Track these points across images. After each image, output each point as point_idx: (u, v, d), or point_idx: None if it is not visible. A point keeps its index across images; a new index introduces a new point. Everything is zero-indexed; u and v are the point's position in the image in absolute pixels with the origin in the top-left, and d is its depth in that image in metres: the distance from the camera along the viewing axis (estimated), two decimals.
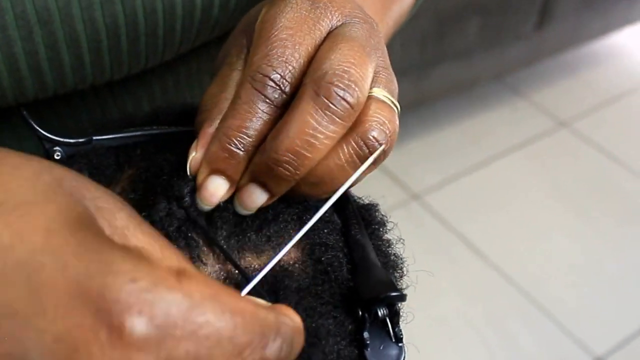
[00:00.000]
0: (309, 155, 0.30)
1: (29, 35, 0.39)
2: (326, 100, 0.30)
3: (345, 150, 0.32)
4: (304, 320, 0.30)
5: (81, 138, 0.35)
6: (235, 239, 0.32)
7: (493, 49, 1.91)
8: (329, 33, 0.33)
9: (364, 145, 0.32)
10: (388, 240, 0.38)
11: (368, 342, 0.32)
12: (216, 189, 0.32)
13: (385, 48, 0.36)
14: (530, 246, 1.71)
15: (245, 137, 0.31)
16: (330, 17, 0.33)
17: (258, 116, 0.31)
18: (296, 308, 0.30)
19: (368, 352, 0.32)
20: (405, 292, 0.36)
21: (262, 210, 0.33)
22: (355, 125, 0.32)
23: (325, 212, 0.35)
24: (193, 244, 0.31)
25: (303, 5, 0.33)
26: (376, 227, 0.38)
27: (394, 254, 0.37)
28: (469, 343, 1.51)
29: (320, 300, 0.32)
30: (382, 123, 0.32)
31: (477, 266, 1.65)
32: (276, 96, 0.31)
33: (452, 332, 1.52)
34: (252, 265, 0.32)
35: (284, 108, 0.31)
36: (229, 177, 0.32)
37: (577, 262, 1.68)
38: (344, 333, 0.32)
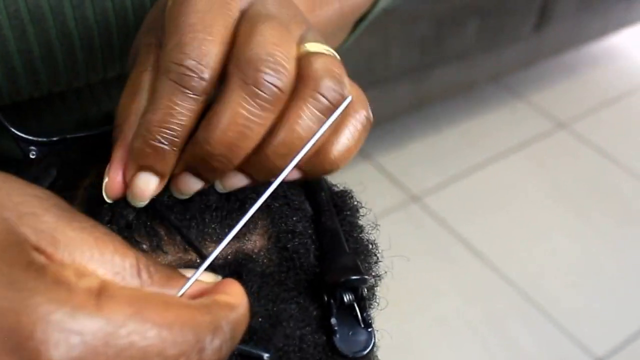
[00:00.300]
0: (242, 145, 0.29)
1: (23, 34, 0.40)
2: (255, 89, 0.29)
3: (305, 109, 0.30)
4: (264, 304, 0.30)
5: (55, 137, 0.36)
6: (196, 228, 0.32)
7: (492, 50, 1.92)
8: (243, 13, 0.32)
9: (321, 97, 0.30)
10: (360, 226, 0.37)
11: (336, 328, 0.31)
12: (146, 185, 0.31)
13: (301, 11, 0.35)
14: (529, 247, 1.71)
15: (168, 131, 0.29)
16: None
17: (179, 108, 0.29)
18: (258, 292, 0.31)
19: (336, 339, 0.32)
20: (370, 281, 0.35)
21: (227, 199, 0.33)
22: (304, 82, 0.30)
23: (296, 200, 0.35)
24: (152, 233, 0.31)
25: None
26: (348, 213, 0.37)
27: (367, 239, 0.37)
28: (469, 344, 1.51)
29: (283, 287, 0.32)
30: (330, 71, 0.31)
31: (477, 267, 1.65)
32: (194, 84, 0.29)
33: (452, 332, 1.52)
34: (233, 251, 0.32)
35: (206, 94, 0.30)
36: (157, 172, 0.31)
37: (576, 263, 1.68)
38: (308, 319, 0.32)
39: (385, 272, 0.37)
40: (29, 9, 0.39)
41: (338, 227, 0.35)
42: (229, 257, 0.32)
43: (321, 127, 0.30)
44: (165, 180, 0.31)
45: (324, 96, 0.30)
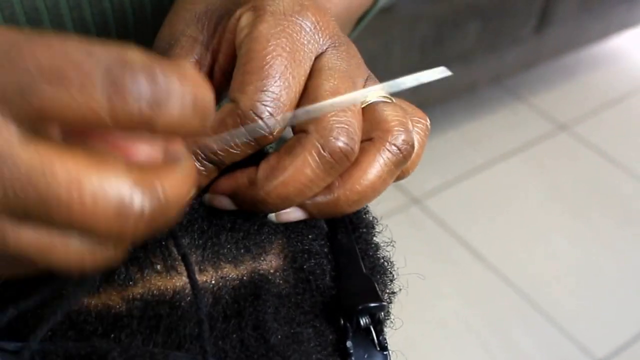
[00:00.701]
0: (296, 200, 0.30)
1: None
2: (329, 157, 0.30)
3: (383, 161, 0.31)
4: (282, 326, 0.30)
5: None
6: (211, 250, 0.31)
7: (492, 52, 1.92)
8: (316, 60, 0.32)
9: (397, 151, 0.32)
10: (376, 244, 0.37)
11: (351, 351, 0.31)
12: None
13: (359, 55, 0.36)
14: (530, 249, 1.71)
15: (220, 158, 0.31)
16: (318, 40, 0.32)
17: (238, 150, 0.30)
18: (275, 314, 0.30)
19: None
20: (387, 301, 0.35)
21: (244, 220, 0.33)
22: (380, 136, 0.32)
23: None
24: (167, 252, 0.31)
25: (294, 26, 0.31)
26: (364, 230, 0.37)
27: (383, 257, 0.37)
28: (469, 346, 1.50)
29: (300, 310, 0.32)
30: (402, 122, 0.32)
31: (477, 269, 1.65)
32: (263, 139, 0.30)
33: (452, 335, 1.52)
34: (229, 275, 0.31)
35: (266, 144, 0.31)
36: (197, 187, 0.30)
37: (577, 265, 1.68)
38: (325, 342, 0.32)
39: (400, 290, 0.37)
40: (25, 11, 0.39)
41: (354, 245, 0.35)
42: (244, 277, 0.31)
43: (393, 178, 0.32)
44: (197, 192, 0.32)
45: (397, 148, 0.32)
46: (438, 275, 1.63)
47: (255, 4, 0.32)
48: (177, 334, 0.29)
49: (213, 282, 0.30)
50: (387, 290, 0.36)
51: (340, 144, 0.30)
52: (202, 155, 0.30)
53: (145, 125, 0.22)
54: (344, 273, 0.33)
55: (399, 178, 0.34)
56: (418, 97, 1.84)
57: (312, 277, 0.33)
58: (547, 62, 2.16)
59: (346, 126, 0.30)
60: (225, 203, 0.32)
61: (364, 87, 0.33)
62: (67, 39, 0.22)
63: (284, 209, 0.31)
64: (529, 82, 2.23)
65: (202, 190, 0.32)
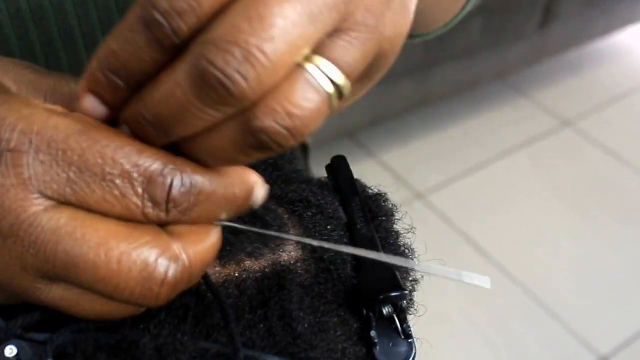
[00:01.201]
0: (174, 127, 0.24)
1: (25, 34, 0.40)
2: (200, 80, 0.23)
3: (228, 132, 0.24)
4: (308, 315, 0.30)
5: None
6: (231, 246, 0.32)
7: (496, 48, 1.91)
8: None
9: (249, 135, 0.24)
10: (396, 232, 0.37)
11: (376, 340, 0.31)
12: (92, 108, 0.26)
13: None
14: (534, 245, 1.71)
15: (120, 65, 0.25)
16: None
17: (135, 48, 0.24)
18: (300, 304, 0.31)
19: (377, 351, 0.31)
20: (409, 289, 0.35)
21: (260, 216, 0.33)
22: (270, 100, 0.23)
23: (329, 208, 0.35)
24: None
25: None
26: (384, 218, 0.37)
27: (403, 245, 0.37)
28: (473, 342, 1.51)
29: (323, 300, 0.32)
30: (283, 114, 0.23)
31: (481, 265, 1.65)
32: (162, 37, 0.23)
33: (456, 331, 1.52)
34: (252, 268, 0.32)
35: (172, 48, 0.24)
36: (104, 101, 0.26)
37: (581, 261, 1.68)
38: (349, 332, 0.32)
39: (422, 277, 0.37)
40: (31, 8, 0.39)
41: (374, 234, 0.35)
42: (267, 269, 0.32)
43: (245, 157, 0.25)
44: (110, 115, 0.27)
45: (255, 137, 0.24)
46: None
47: None
48: (204, 324, 0.29)
49: (237, 275, 0.31)
50: (409, 278, 0.36)
51: (214, 70, 0.22)
52: (107, 61, 0.25)
53: (176, 222, 0.25)
54: (364, 263, 0.33)
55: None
56: (421, 93, 1.84)
57: (333, 267, 0.33)
58: (551, 58, 2.16)
59: (232, 45, 0.22)
60: (124, 129, 0.27)
61: (321, 46, 0.24)
62: (120, 135, 0.25)
63: (169, 137, 0.25)
64: (532, 78, 2.22)
65: None
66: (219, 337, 0.29)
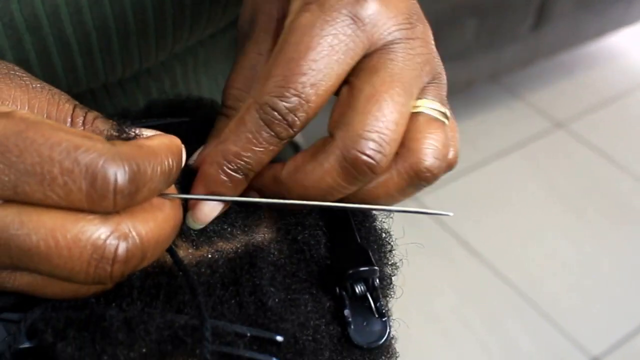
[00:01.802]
0: (316, 204, 0.30)
1: (19, 43, 0.39)
2: (352, 169, 0.29)
3: (396, 181, 0.30)
4: (278, 293, 0.31)
5: None
6: (204, 229, 0.32)
7: (489, 50, 1.92)
8: (365, 57, 0.30)
9: (415, 177, 0.30)
10: (372, 215, 0.37)
11: (350, 319, 0.31)
12: (211, 211, 0.31)
13: (433, 48, 0.33)
14: (526, 246, 1.71)
15: (244, 164, 0.30)
16: (373, 34, 0.30)
17: (260, 147, 0.29)
18: (272, 280, 0.31)
19: (351, 330, 0.32)
20: (388, 273, 0.35)
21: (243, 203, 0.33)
22: (405, 153, 0.30)
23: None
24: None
25: (343, 21, 0.29)
26: None
27: (380, 228, 0.37)
28: (465, 342, 1.51)
29: (295, 278, 0.32)
30: (435, 151, 0.30)
31: (474, 266, 1.65)
32: (282, 132, 0.29)
33: (449, 331, 1.52)
34: (225, 249, 0.32)
35: (291, 139, 0.30)
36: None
37: (573, 262, 1.68)
38: (322, 310, 0.32)
39: (401, 260, 0.37)
40: (24, 17, 0.38)
41: (349, 217, 0.35)
42: (240, 250, 0.32)
43: (405, 197, 0.31)
44: (227, 208, 0.32)
45: (420, 178, 0.30)
46: (434, 271, 1.63)
47: None
48: (176, 301, 0.30)
49: (209, 255, 0.31)
50: (387, 261, 0.36)
51: (363, 157, 0.28)
52: (227, 163, 0.30)
53: (119, 208, 0.25)
54: (338, 243, 0.34)
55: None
56: None
57: (306, 248, 0.33)
58: (544, 59, 2.16)
59: (374, 135, 0.29)
60: (253, 195, 0.32)
61: (420, 92, 0.31)
62: (58, 132, 0.25)
63: (308, 209, 0.32)
64: (526, 79, 2.23)
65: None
66: (190, 312, 0.29)
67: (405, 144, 0.30)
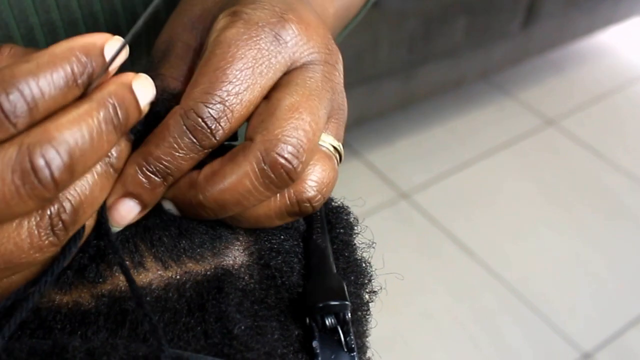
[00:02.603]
0: (234, 209, 0.30)
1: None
2: (270, 172, 0.29)
3: (277, 203, 0.31)
4: (245, 318, 0.30)
5: None
6: (174, 248, 0.31)
7: (480, 48, 1.92)
8: (288, 72, 0.31)
9: (296, 204, 0.31)
10: (353, 245, 0.37)
11: (318, 351, 0.31)
12: (128, 213, 0.30)
13: (342, 81, 0.34)
14: (517, 243, 1.72)
15: (163, 167, 0.29)
16: (293, 54, 0.31)
17: (182, 153, 0.29)
18: (239, 307, 0.30)
19: None
20: (366, 300, 0.35)
21: (208, 220, 0.33)
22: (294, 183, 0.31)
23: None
24: (134, 249, 0.31)
25: (266, 37, 0.30)
26: (341, 230, 0.36)
27: (360, 258, 0.36)
28: (457, 340, 1.51)
29: (263, 305, 0.32)
30: (320, 185, 0.31)
31: (465, 263, 1.66)
32: (205, 140, 0.29)
33: (440, 328, 1.53)
34: (193, 271, 0.31)
35: (212, 148, 0.30)
36: (143, 202, 0.30)
37: (564, 259, 1.69)
38: (290, 339, 0.31)
39: (381, 289, 0.36)
40: (18, 26, 0.39)
41: (328, 245, 0.34)
42: (208, 272, 0.31)
43: (282, 222, 0.32)
44: (145, 212, 0.31)
45: (300, 206, 0.31)
46: (426, 269, 1.63)
47: (235, 9, 0.31)
48: (142, 328, 0.29)
49: (177, 277, 0.31)
50: (365, 290, 0.36)
51: (281, 160, 0.29)
52: (146, 165, 0.29)
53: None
54: (314, 272, 0.33)
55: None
56: (406, 92, 1.85)
57: (277, 274, 0.33)
58: (534, 57, 2.17)
59: (293, 141, 0.29)
60: (168, 207, 0.31)
61: (326, 122, 0.32)
62: None
63: (222, 216, 0.30)
64: (516, 77, 2.24)
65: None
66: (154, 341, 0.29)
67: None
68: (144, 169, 0.29)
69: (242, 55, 0.30)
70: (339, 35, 0.56)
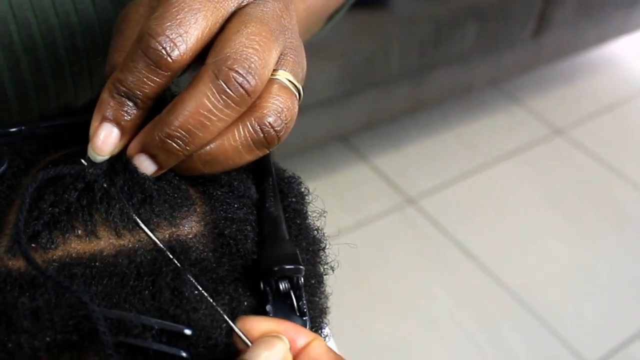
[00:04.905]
0: (200, 134, 0.31)
1: (16, 66, 0.42)
2: (224, 85, 0.30)
3: (242, 132, 0.32)
4: (194, 285, 0.31)
5: (13, 128, 0.36)
6: (127, 216, 0.32)
7: (490, 55, 1.92)
8: (238, 10, 0.33)
9: (259, 130, 0.32)
10: (304, 213, 0.37)
11: (271, 315, 0.32)
12: (107, 137, 0.32)
13: (297, 28, 0.36)
14: (523, 251, 1.71)
15: (129, 90, 0.31)
16: None
17: (142, 76, 0.31)
18: (189, 274, 0.31)
19: None
20: (321, 272, 0.35)
21: (166, 190, 0.33)
22: (253, 108, 0.32)
23: (240, 187, 0.36)
24: (88, 218, 0.32)
25: None
26: (293, 199, 0.37)
27: (311, 225, 0.37)
28: (461, 346, 1.51)
29: (216, 272, 0.32)
30: (279, 110, 0.32)
31: (470, 270, 1.66)
32: (160, 60, 0.30)
33: (444, 334, 1.53)
34: (146, 239, 0.32)
35: (172, 72, 0.31)
36: (120, 127, 0.32)
37: (569, 268, 1.69)
38: (243, 304, 0.32)
39: (338, 265, 0.37)
40: (21, 40, 0.40)
41: (280, 213, 0.35)
42: (162, 241, 0.32)
43: (250, 154, 0.33)
44: (126, 139, 0.32)
45: (262, 131, 0.32)
46: (431, 275, 1.63)
47: None
48: (89, 291, 0.30)
49: (130, 245, 0.31)
50: (318, 260, 0.36)
51: (233, 73, 0.30)
52: (116, 89, 0.31)
53: None
54: (267, 240, 0.34)
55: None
56: (415, 97, 1.85)
57: (232, 242, 0.33)
58: (544, 66, 2.17)
59: (244, 57, 0.30)
60: (142, 161, 0.32)
61: (280, 56, 0.33)
62: None
63: (192, 148, 0.31)
64: (526, 85, 2.24)
65: (118, 158, 0.33)
66: (101, 304, 0.30)
67: (255, 103, 0.32)
68: (114, 92, 0.31)
69: None
70: (322, 28, 0.57)
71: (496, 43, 1.90)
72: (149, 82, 0.31)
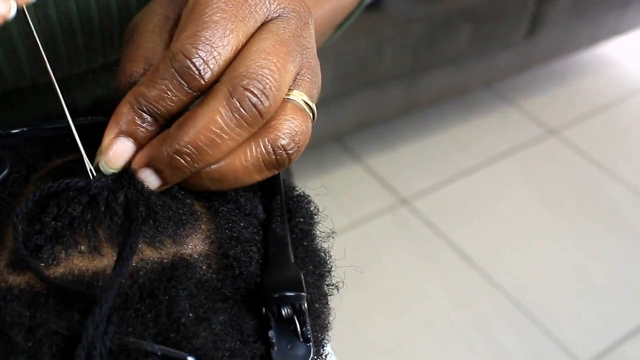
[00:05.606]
0: (209, 152, 0.30)
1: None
2: (238, 104, 0.30)
3: (254, 152, 0.32)
4: (194, 309, 0.30)
5: (14, 129, 0.35)
6: (133, 234, 0.31)
7: (484, 56, 1.93)
8: (263, 25, 0.33)
9: (272, 152, 0.32)
10: (312, 234, 0.36)
11: (274, 340, 0.31)
12: (123, 151, 0.32)
13: (315, 46, 0.36)
14: (517, 251, 1.72)
15: (153, 107, 0.31)
16: (268, 5, 0.33)
17: (170, 94, 0.31)
18: (189, 298, 0.30)
19: (274, 352, 0.31)
20: (325, 293, 0.35)
21: (171, 206, 0.33)
22: (266, 128, 0.32)
23: (247, 205, 0.35)
24: (92, 234, 0.31)
25: None
26: (301, 219, 0.36)
27: (318, 248, 0.36)
28: (455, 347, 1.51)
29: (218, 295, 0.32)
30: (293, 133, 0.32)
31: (464, 271, 1.66)
32: (193, 81, 0.31)
33: (438, 335, 1.53)
34: (150, 258, 0.31)
35: (200, 92, 0.31)
36: (136, 140, 0.32)
37: (563, 268, 1.69)
38: (246, 329, 0.31)
39: (343, 284, 0.36)
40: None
41: (287, 234, 0.34)
42: (165, 260, 0.31)
43: (259, 175, 0.32)
44: (137, 151, 0.32)
45: (275, 153, 0.32)
46: (425, 275, 1.63)
47: None
48: (90, 313, 0.29)
49: (133, 264, 0.31)
50: (324, 282, 0.36)
51: (248, 93, 0.30)
52: (137, 104, 0.31)
53: None
54: (272, 262, 0.33)
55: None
56: (409, 98, 1.85)
57: (235, 264, 0.32)
58: (537, 67, 2.18)
59: (260, 77, 0.30)
60: (147, 176, 0.32)
61: (296, 77, 0.33)
62: None
63: (200, 166, 0.31)
64: (519, 86, 2.24)
65: (123, 174, 0.32)
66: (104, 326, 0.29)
67: (269, 123, 0.32)
68: (135, 106, 0.31)
69: (225, 3, 0.31)
70: (331, 37, 0.57)
71: (490, 44, 1.90)
72: (175, 100, 0.31)
